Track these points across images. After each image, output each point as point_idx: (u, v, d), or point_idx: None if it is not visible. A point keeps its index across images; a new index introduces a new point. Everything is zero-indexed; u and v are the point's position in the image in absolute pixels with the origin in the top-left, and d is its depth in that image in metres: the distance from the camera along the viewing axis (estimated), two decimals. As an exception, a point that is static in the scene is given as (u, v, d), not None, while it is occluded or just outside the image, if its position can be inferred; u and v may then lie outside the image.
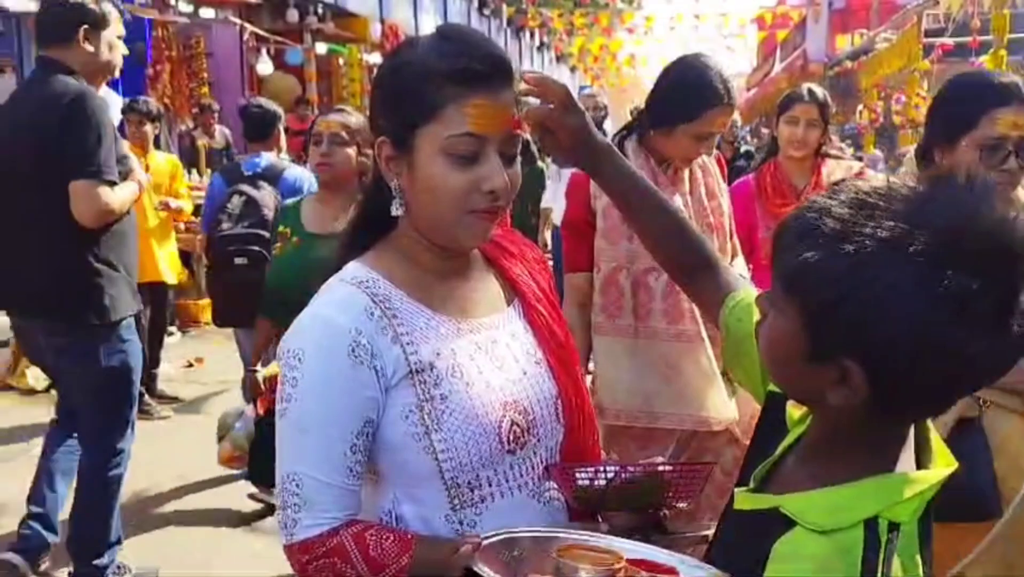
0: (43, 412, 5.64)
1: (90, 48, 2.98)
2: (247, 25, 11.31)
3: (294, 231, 2.93)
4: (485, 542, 1.11)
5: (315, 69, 12.16)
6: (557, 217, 6.28)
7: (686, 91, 2.36)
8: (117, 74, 3.20)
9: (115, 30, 3.07)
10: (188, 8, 10.20)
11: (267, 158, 4.31)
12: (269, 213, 3.82)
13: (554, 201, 6.45)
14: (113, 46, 3.07)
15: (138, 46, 10.01)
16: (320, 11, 12.36)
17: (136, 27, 9.78)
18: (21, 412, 5.64)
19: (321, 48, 12.56)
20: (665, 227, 1.35)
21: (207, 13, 10.57)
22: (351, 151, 2.92)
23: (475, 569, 1.06)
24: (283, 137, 4.68)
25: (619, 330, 2.43)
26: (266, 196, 3.96)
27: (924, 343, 0.84)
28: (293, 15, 11.69)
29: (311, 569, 1.21)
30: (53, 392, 5.91)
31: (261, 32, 11.51)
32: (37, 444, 4.97)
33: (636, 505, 1.25)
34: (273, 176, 4.13)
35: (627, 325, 2.42)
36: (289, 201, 3.27)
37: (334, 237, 2.66)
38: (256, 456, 3.33)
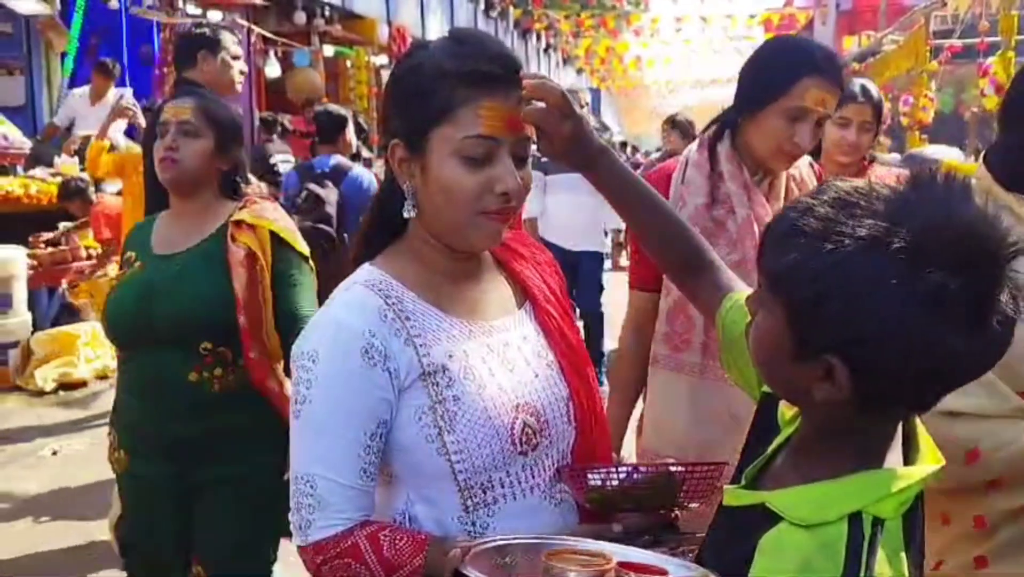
0: (51, 413, 5.67)
1: (208, 68, 3.54)
2: (254, 27, 11.33)
3: (139, 254, 2.29)
4: (477, 548, 1.11)
5: (322, 71, 12.18)
6: (543, 228, 6.03)
7: (778, 61, 2.00)
8: (238, 89, 3.72)
9: (230, 51, 3.61)
10: (196, 10, 10.23)
11: (335, 159, 4.73)
12: (331, 209, 4.36)
13: (539, 213, 6.08)
14: (228, 64, 3.60)
15: (146, 48, 10.05)
16: (327, 13, 12.39)
17: (144, 29, 9.83)
18: (30, 413, 5.67)
19: (328, 50, 12.58)
20: (664, 227, 1.35)
21: (214, 15, 10.59)
22: (205, 144, 2.24)
23: (465, 573, 1.07)
24: (352, 137, 5.18)
25: (683, 367, 2.05)
26: (330, 194, 4.41)
27: (905, 340, 0.85)
28: (300, 17, 11.71)
29: (325, 570, 1.21)
30: (61, 393, 5.97)
31: (268, 34, 11.54)
32: (46, 444, 5.02)
33: (648, 506, 1.25)
34: (338, 175, 4.58)
35: (694, 363, 2.04)
36: (142, 221, 2.52)
37: (183, 256, 2.20)
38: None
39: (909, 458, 0.97)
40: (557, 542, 1.12)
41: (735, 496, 1.03)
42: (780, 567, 0.90)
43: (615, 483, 1.24)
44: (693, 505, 1.26)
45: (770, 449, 1.06)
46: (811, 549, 0.90)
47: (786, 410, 1.07)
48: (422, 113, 1.21)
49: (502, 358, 1.29)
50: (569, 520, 1.32)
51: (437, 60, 1.22)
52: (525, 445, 1.26)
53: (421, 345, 1.23)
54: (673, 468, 1.25)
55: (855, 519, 0.91)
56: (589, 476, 1.26)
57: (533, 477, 1.29)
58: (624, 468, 1.26)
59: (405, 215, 1.28)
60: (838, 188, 0.91)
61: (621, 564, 1.04)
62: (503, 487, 1.26)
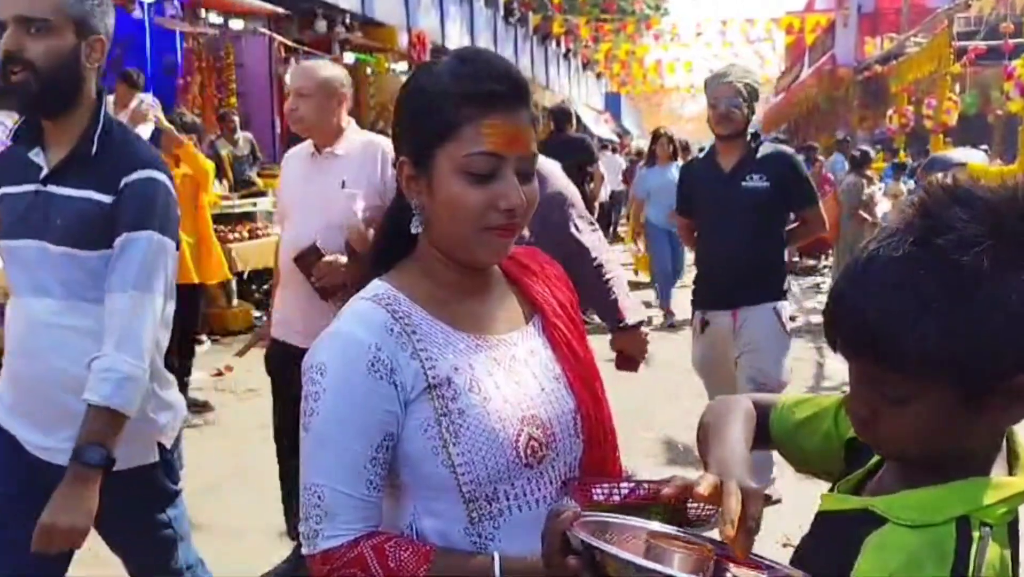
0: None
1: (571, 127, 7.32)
2: (276, 36, 11.43)
3: None
4: (583, 520, 1.08)
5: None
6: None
7: None
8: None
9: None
10: (218, 20, 10.33)
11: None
12: None
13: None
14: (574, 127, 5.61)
15: (169, 58, 10.16)
16: (348, 21, 12.49)
17: (167, 39, 9.93)
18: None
19: (349, 58, 12.68)
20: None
21: (237, 24, 10.70)
22: None
23: (570, 535, 1.04)
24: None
25: None
26: None
27: None
28: (322, 25, 11.82)
29: None
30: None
31: (290, 43, 11.64)
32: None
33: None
34: None
35: None
36: None
37: None
38: None
39: (1013, 470, 0.97)
40: (656, 527, 1.10)
41: (837, 501, 1.02)
42: (885, 564, 0.90)
43: (618, 498, 1.24)
44: (700, 524, 1.26)
45: (869, 463, 1.05)
46: (917, 547, 0.90)
47: None
48: (427, 131, 1.24)
49: (508, 371, 1.31)
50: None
51: (442, 79, 1.24)
52: (531, 457, 1.27)
53: (427, 358, 1.25)
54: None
55: (963, 523, 0.90)
56: (594, 490, 1.26)
57: (539, 489, 1.30)
58: (628, 484, 1.26)
59: (413, 231, 1.30)
60: (900, 234, 0.91)
61: (721, 556, 1.03)
62: (508, 499, 1.27)
